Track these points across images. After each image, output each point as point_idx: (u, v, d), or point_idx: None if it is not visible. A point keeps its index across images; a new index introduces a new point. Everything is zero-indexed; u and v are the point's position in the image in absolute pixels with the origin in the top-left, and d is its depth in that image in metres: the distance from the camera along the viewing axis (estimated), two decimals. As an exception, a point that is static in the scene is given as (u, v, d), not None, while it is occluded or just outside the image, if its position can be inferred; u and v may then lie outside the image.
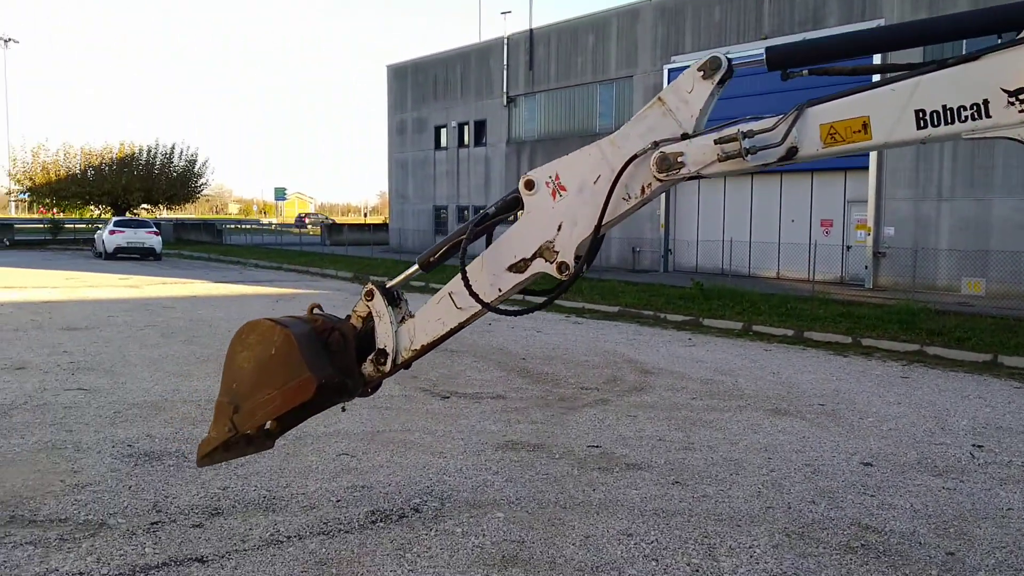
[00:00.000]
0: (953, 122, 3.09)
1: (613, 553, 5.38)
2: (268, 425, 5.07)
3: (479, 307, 3.99)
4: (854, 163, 24.07)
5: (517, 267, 3.87)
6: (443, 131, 41.53)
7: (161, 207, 64.19)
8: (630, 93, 31.31)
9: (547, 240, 3.79)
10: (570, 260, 3.74)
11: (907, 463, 7.58)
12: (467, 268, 3.96)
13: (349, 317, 4.51)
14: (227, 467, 7.00)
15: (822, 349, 14.50)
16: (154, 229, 39.05)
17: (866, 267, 24.12)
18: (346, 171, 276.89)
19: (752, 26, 26.70)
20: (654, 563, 5.22)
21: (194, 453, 7.30)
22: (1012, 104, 2.99)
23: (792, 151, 3.32)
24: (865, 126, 3.22)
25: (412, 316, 4.43)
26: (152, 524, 5.68)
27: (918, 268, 22.02)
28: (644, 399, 10.15)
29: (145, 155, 58.15)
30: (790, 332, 15.91)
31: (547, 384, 10.97)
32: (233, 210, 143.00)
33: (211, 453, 4.72)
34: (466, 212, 40.12)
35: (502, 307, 4.02)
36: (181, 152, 59.93)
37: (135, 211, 58.05)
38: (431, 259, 4.25)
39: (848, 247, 24.99)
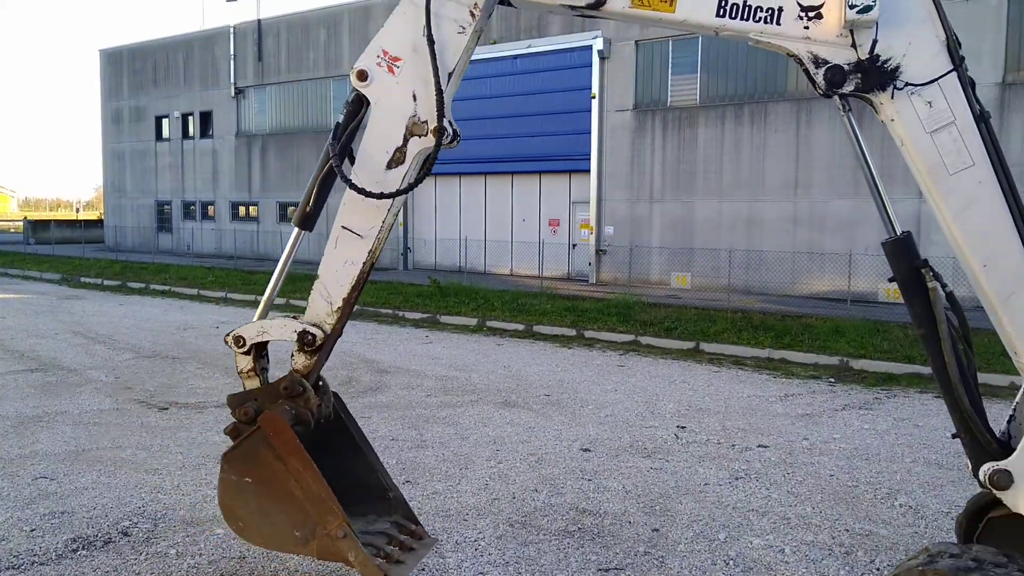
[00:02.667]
0: (748, 19, 3.39)
1: (340, 560, 5.26)
2: (393, 545, 4.24)
3: (381, 223, 3.74)
4: (577, 166, 25.52)
5: (396, 160, 3.68)
6: (165, 121, 38.86)
7: None
8: (365, 90, 31.07)
9: (410, 116, 3.67)
10: (442, 121, 3.60)
11: (621, 447, 8.12)
12: (351, 183, 3.66)
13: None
14: None
15: (549, 342, 15.21)
16: None
17: (589, 264, 25.66)
18: (56, 163, 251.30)
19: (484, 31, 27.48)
20: (381, 566, 5.17)
21: None
22: (801, 19, 3.31)
23: (598, 3, 3.41)
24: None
25: (296, 318, 4.00)
26: None
27: (634, 264, 23.79)
28: (379, 399, 10.08)
29: None
30: (521, 327, 16.56)
31: (277, 388, 10.57)
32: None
33: (395, 571, 3.99)
34: (192, 207, 37.86)
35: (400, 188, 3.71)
36: None
37: None
38: (307, 210, 3.87)
39: (574, 245, 26.46)
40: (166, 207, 39.28)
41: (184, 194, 38.28)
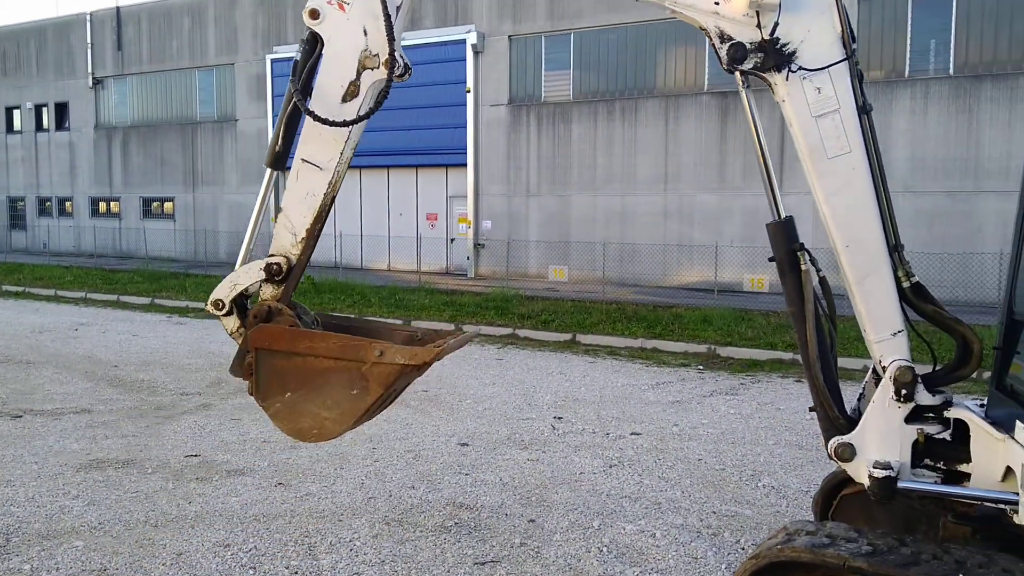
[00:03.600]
0: None
1: (208, 567, 5.08)
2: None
3: (339, 155, 3.83)
4: (454, 160, 25.48)
5: (350, 93, 3.79)
6: (16, 113, 36.50)
7: None
8: (232, 81, 30.07)
9: (361, 50, 3.77)
10: (394, 52, 3.73)
11: (499, 439, 8.16)
12: (306, 122, 3.75)
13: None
14: None
15: (427, 337, 15.11)
16: None
17: (468, 258, 25.70)
18: None
19: None
20: (252, 571, 5.02)
21: None
22: None
23: None
24: None
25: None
26: None
27: (512, 258, 23.97)
28: (250, 400, 9.70)
29: None
30: (399, 322, 16.41)
31: (142, 392, 10.13)
32: None
33: (443, 351, 3.76)
34: (48, 203, 35.73)
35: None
36: None
37: None
38: (276, 150, 3.91)
39: (452, 239, 26.43)
40: (19, 203, 36.94)
41: (39, 190, 36.10)
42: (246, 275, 3.90)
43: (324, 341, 3.74)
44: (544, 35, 23.92)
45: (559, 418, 9.07)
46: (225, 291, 3.88)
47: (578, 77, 23.71)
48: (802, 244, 3.69)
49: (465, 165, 25.36)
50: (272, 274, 3.84)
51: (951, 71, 19.02)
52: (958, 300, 15.95)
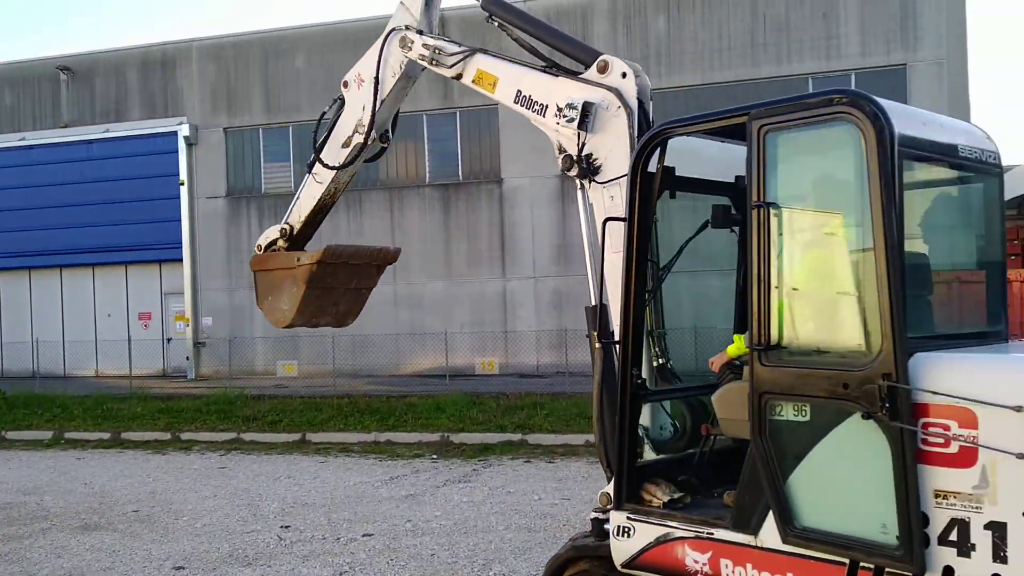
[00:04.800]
0: (529, 109, 4.74)
1: None
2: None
3: (333, 176, 5.61)
4: (168, 255, 24.06)
5: (345, 144, 5.51)
6: None
7: None
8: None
9: (358, 120, 5.44)
10: (370, 132, 5.42)
11: (220, 558, 7.55)
12: (319, 158, 5.61)
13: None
14: None
15: (141, 449, 13.90)
16: None
17: (188, 358, 24.14)
18: None
19: (50, 114, 25.05)
20: None
21: None
22: (556, 115, 4.52)
23: (459, 76, 5.07)
24: (495, 84, 4.94)
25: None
26: None
27: (236, 355, 22.79)
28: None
29: None
30: (107, 435, 14.95)
31: None
32: None
33: (332, 250, 5.67)
34: None
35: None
36: None
37: None
38: (310, 162, 5.73)
39: (169, 339, 24.72)
40: None
41: None
42: (273, 231, 5.87)
43: (276, 259, 5.79)
44: (262, 128, 23.59)
45: (286, 527, 8.58)
46: (263, 240, 5.90)
47: (299, 169, 23.44)
48: (601, 329, 4.34)
49: (181, 260, 24.07)
50: (282, 234, 5.81)
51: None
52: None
